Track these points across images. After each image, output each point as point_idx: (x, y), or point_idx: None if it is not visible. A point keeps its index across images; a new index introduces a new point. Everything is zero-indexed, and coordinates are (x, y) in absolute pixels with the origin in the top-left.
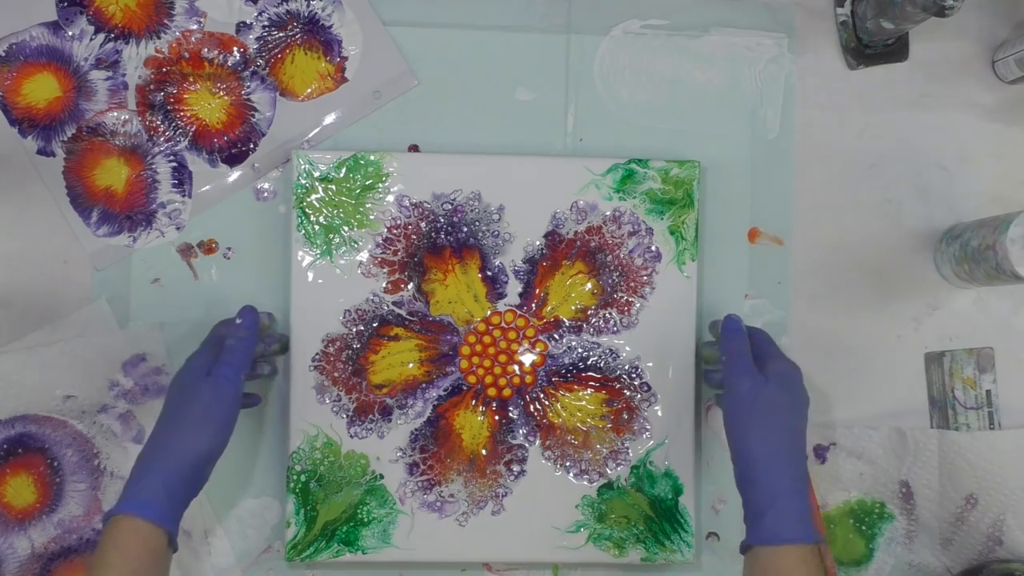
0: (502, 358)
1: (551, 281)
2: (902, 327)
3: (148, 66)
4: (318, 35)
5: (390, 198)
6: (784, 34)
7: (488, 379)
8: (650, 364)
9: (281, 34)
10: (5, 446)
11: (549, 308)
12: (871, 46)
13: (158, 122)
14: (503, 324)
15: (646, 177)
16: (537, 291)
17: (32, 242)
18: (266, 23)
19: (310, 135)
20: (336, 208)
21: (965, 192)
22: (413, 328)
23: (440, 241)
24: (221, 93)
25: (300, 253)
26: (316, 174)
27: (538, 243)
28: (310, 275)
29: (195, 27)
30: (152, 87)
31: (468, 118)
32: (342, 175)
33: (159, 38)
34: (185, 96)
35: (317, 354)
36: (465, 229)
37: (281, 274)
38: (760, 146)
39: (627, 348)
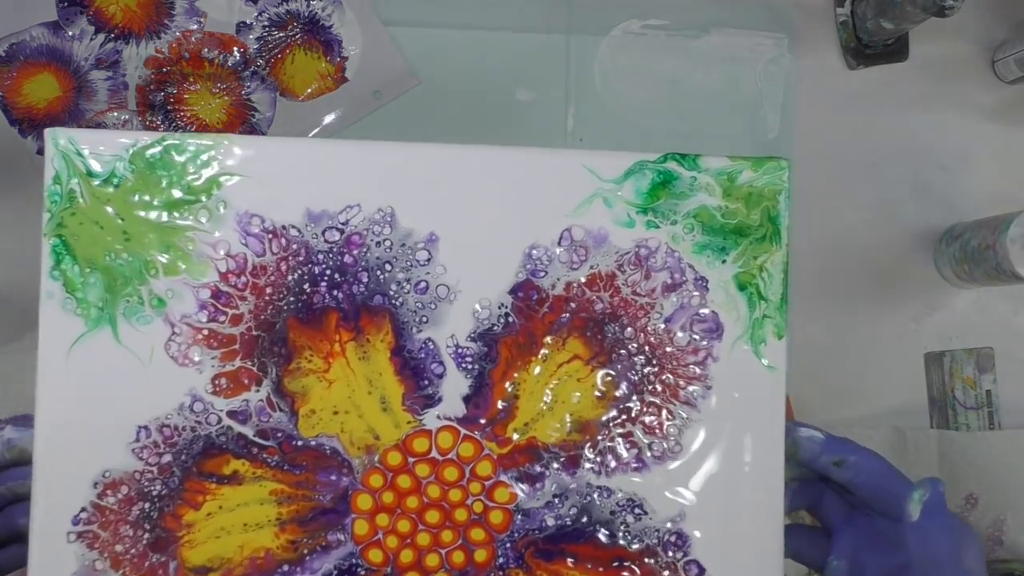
0: (432, 518)
1: (523, 375)
2: (902, 327)
3: (148, 66)
4: (318, 35)
5: (227, 219)
6: (784, 34)
7: (406, 557)
8: (701, 530)
9: (281, 34)
10: None
11: (519, 424)
12: (871, 46)
13: (158, 122)
14: (434, 454)
15: (695, 186)
16: (497, 393)
17: (32, 242)
18: (266, 23)
19: (310, 135)
20: (127, 238)
21: (965, 192)
22: (267, 462)
23: (319, 300)
24: (221, 93)
25: (53, 320)
26: (90, 170)
27: (500, 305)
28: (70, 362)
29: (195, 27)
30: (152, 87)
31: (468, 118)
32: (137, 175)
33: (159, 38)
34: (185, 96)
35: (84, 510)
36: (366, 279)
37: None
38: (760, 146)
39: (662, 499)
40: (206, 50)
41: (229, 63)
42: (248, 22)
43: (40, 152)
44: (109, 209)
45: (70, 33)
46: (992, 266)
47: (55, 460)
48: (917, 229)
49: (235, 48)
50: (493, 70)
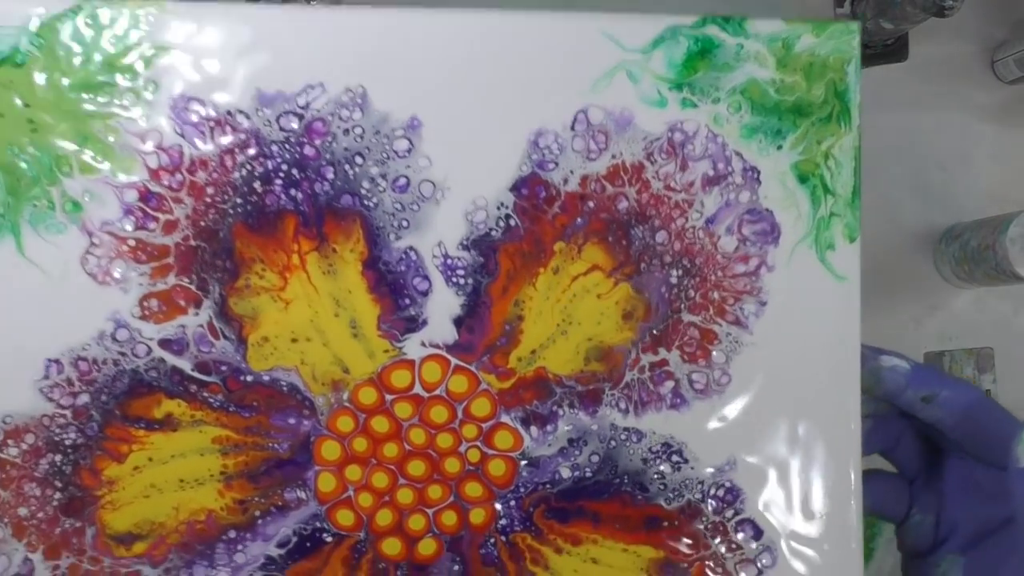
0: (416, 470)
1: (528, 290)
2: (901, 327)
3: None
4: None
5: (159, 104)
6: None
7: (384, 519)
8: (756, 483)
9: None
10: None
11: (525, 352)
12: (871, 46)
13: None
14: (418, 390)
15: (742, 56)
16: (496, 313)
17: None
18: None
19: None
20: (33, 128)
21: (965, 192)
22: (209, 402)
23: (273, 201)
24: None
25: None
26: None
27: (499, 204)
28: None
29: None
30: None
31: None
32: (46, 51)
33: None
34: None
35: None
36: (331, 174)
37: None
38: None
39: (707, 443)
40: None
41: None
42: None
43: None
44: (11, 94)
45: None
46: (992, 266)
47: None
48: (917, 229)
49: None
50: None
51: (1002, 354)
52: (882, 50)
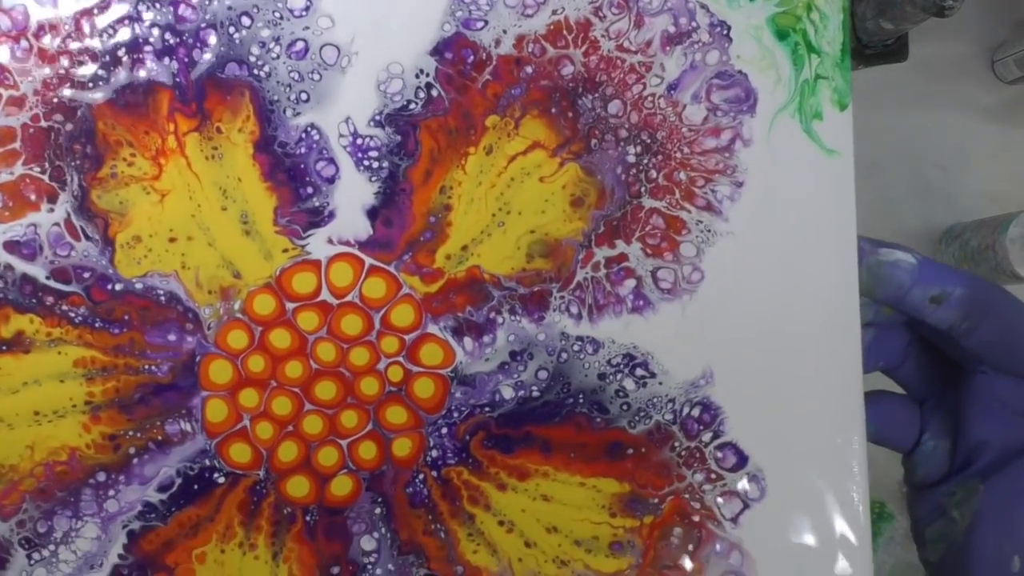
0: (326, 393)
1: (456, 174)
2: None
3: None
4: None
5: None
6: None
7: (287, 453)
8: (737, 399)
9: None
10: None
11: (454, 249)
12: (871, 46)
13: None
14: (326, 296)
15: None
16: (419, 202)
17: None
18: None
19: None
20: None
21: (965, 192)
22: (69, 317)
23: (142, 72)
24: None
25: None
26: None
27: (418, 71)
28: None
29: None
30: None
31: None
32: None
33: None
34: None
35: None
36: (213, 39)
37: None
38: None
39: (678, 353)
40: None
41: None
42: None
43: None
44: None
45: None
46: (992, 266)
47: None
48: (917, 229)
49: None
50: None
51: None
52: (882, 50)
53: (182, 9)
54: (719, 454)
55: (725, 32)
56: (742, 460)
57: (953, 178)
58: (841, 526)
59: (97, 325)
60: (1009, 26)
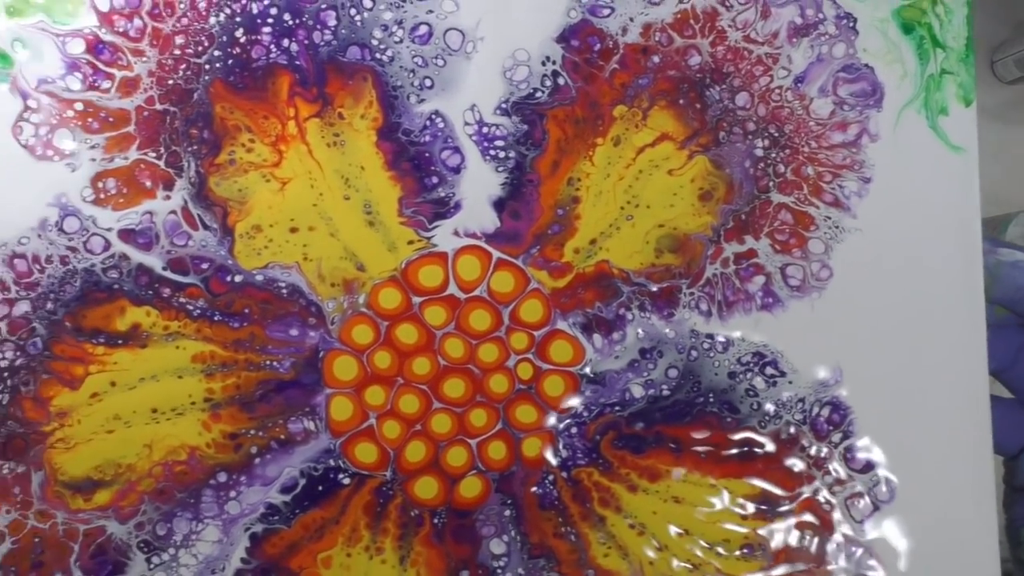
0: (454, 390)
1: (584, 166)
2: None
3: None
4: None
5: None
6: None
7: (415, 454)
8: (867, 398)
9: None
10: None
11: (583, 243)
12: None
13: None
14: (453, 290)
15: None
16: (546, 194)
17: None
18: None
19: None
20: None
21: None
22: (187, 310)
23: (261, 54)
24: None
25: None
26: None
27: (544, 59)
28: None
29: None
30: None
31: None
32: None
33: None
34: None
35: None
36: (334, 20)
37: None
38: None
39: (807, 351)
40: None
41: None
42: None
43: None
44: None
45: None
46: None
47: None
48: None
49: None
50: None
51: None
52: None
53: None
54: (849, 455)
55: (851, 25)
56: (871, 461)
57: None
58: (969, 529)
59: (216, 318)
60: (1009, 26)
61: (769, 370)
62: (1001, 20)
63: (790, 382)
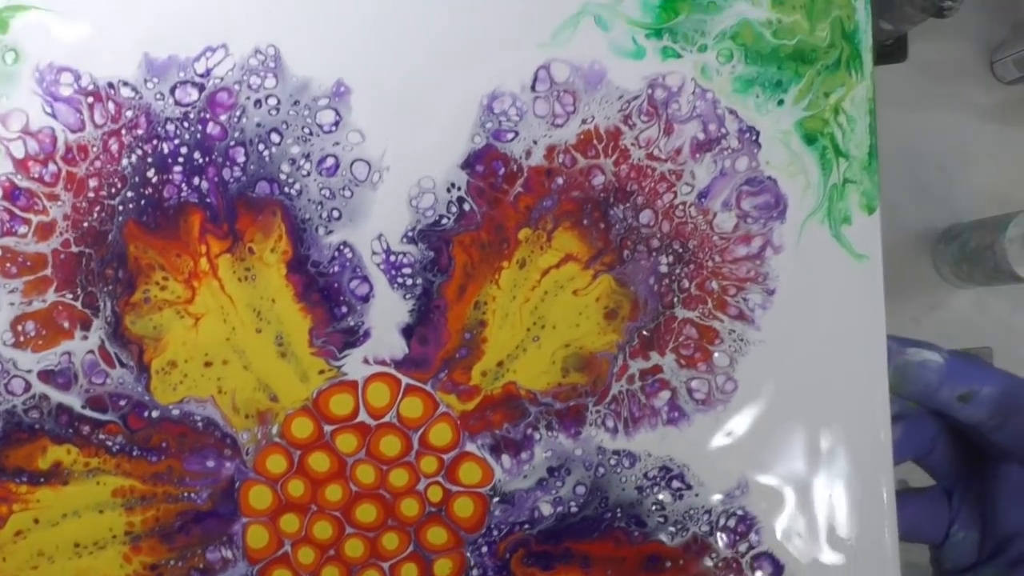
0: (366, 515)
1: (491, 290)
2: (900, 327)
3: None
4: None
5: (20, 76)
6: None
7: None
8: (772, 508)
9: None
10: None
11: (490, 365)
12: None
13: None
14: (364, 417)
15: None
16: (454, 319)
17: None
18: None
19: None
20: None
21: (964, 192)
22: (106, 446)
23: (172, 193)
24: None
25: None
26: None
27: (449, 185)
28: None
29: None
30: None
31: None
32: None
33: None
34: None
35: None
36: (242, 157)
37: None
38: None
39: (713, 464)
40: None
41: None
42: None
43: None
44: None
45: None
46: (991, 267)
47: None
48: (916, 229)
49: None
50: None
51: (1000, 354)
52: (881, 51)
53: (210, 127)
54: (756, 564)
55: (754, 138)
56: (778, 569)
57: (952, 178)
58: None
59: (135, 453)
60: (1008, 26)
61: (675, 483)
62: (1000, 20)
63: (696, 495)
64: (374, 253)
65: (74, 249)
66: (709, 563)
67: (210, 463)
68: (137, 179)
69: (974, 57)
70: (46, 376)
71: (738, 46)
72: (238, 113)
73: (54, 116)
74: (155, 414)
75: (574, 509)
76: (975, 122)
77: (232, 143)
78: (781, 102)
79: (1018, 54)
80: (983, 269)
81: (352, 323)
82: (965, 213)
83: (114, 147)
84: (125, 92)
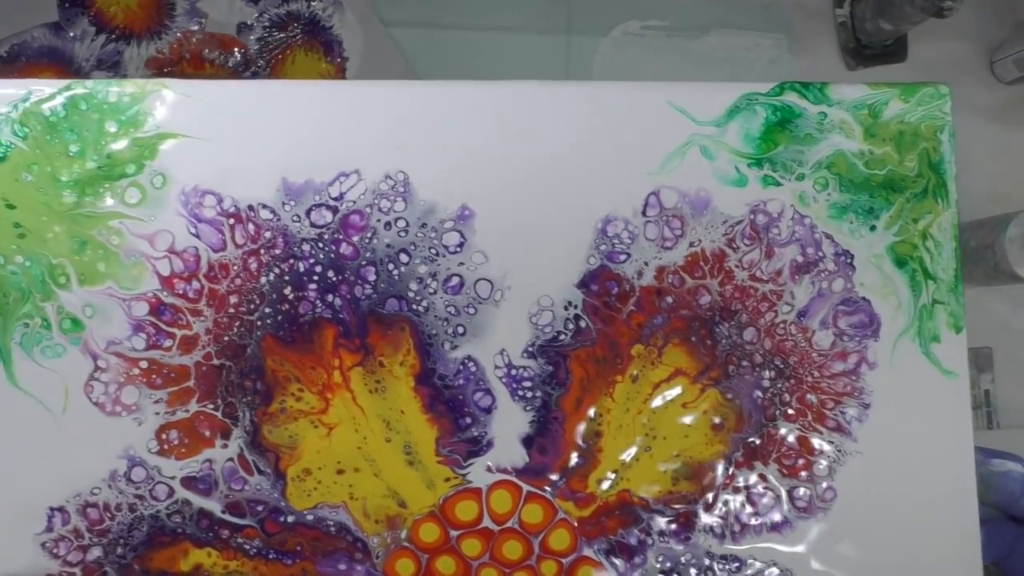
0: None
1: (605, 402)
2: None
3: (149, 67)
4: (319, 36)
5: (167, 198)
6: (783, 35)
7: None
8: None
9: (282, 35)
10: None
11: (604, 473)
12: (870, 47)
13: None
14: (487, 523)
15: (825, 126)
16: (570, 430)
17: None
18: (267, 24)
19: None
20: (21, 234)
21: (964, 192)
22: (244, 549)
23: (307, 309)
24: None
25: None
26: None
27: (567, 304)
28: None
29: (196, 28)
30: None
31: None
32: (33, 141)
33: (160, 39)
34: None
35: None
36: (373, 276)
37: None
38: None
39: (815, 568)
40: (207, 51)
41: (230, 64)
42: (249, 23)
43: None
44: None
45: (71, 34)
46: (991, 266)
47: None
48: None
49: (236, 49)
50: (493, 71)
51: (1001, 354)
52: (881, 51)
53: (343, 247)
54: None
55: (849, 261)
56: None
57: None
58: None
59: (271, 556)
60: (1007, 27)
61: None
62: (1000, 20)
63: None
64: (496, 367)
65: (215, 362)
66: None
67: (342, 566)
68: (275, 296)
69: (974, 57)
70: (188, 482)
71: (833, 175)
72: (369, 234)
73: (198, 236)
74: (290, 519)
75: None
76: (975, 122)
77: (363, 262)
78: (873, 227)
79: (1018, 54)
80: (983, 269)
81: (476, 433)
82: (965, 213)
83: (253, 266)
84: (264, 214)
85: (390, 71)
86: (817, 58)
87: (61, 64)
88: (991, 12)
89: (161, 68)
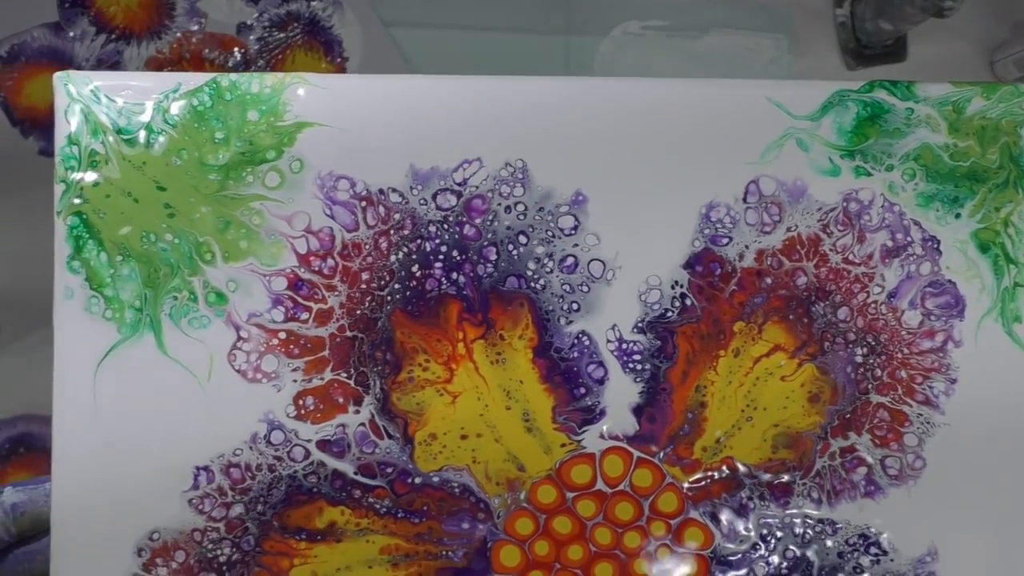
0: (603, 573)
1: (710, 375)
2: None
3: (149, 67)
4: (319, 36)
5: (305, 182)
6: (783, 35)
7: None
8: (961, 572)
9: (282, 35)
10: (8, 445)
11: (710, 441)
12: (870, 47)
13: None
14: (601, 486)
15: (913, 120)
16: (678, 400)
17: (33, 242)
18: (267, 24)
19: None
20: (170, 213)
21: None
22: (375, 508)
23: (433, 286)
24: None
25: (73, 326)
26: (118, 125)
27: (673, 283)
28: (99, 383)
29: (196, 28)
30: None
31: None
32: (182, 129)
33: (160, 39)
34: None
35: None
36: (494, 256)
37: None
38: None
39: (906, 532)
40: (207, 51)
41: (230, 63)
42: (249, 23)
43: (42, 153)
44: (146, 177)
45: (71, 34)
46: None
47: (81, 523)
48: None
49: (236, 49)
50: (493, 71)
51: None
52: (881, 51)
53: (467, 229)
54: None
55: (935, 246)
56: None
57: None
58: None
59: (400, 515)
60: (1007, 27)
61: (873, 550)
62: (1000, 21)
63: (892, 560)
64: (608, 341)
65: (348, 334)
66: None
67: (465, 525)
68: (403, 273)
69: (974, 57)
70: (323, 445)
71: (920, 166)
72: (491, 217)
73: (333, 217)
74: (418, 480)
75: (784, 572)
76: None
77: (485, 243)
78: (958, 215)
79: (1018, 54)
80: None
81: (590, 403)
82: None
83: (383, 245)
84: (394, 198)
85: (390, 71)
86: (817, 58)
87: (61, 64)
88: (991, 12)
89: (161, 68)
